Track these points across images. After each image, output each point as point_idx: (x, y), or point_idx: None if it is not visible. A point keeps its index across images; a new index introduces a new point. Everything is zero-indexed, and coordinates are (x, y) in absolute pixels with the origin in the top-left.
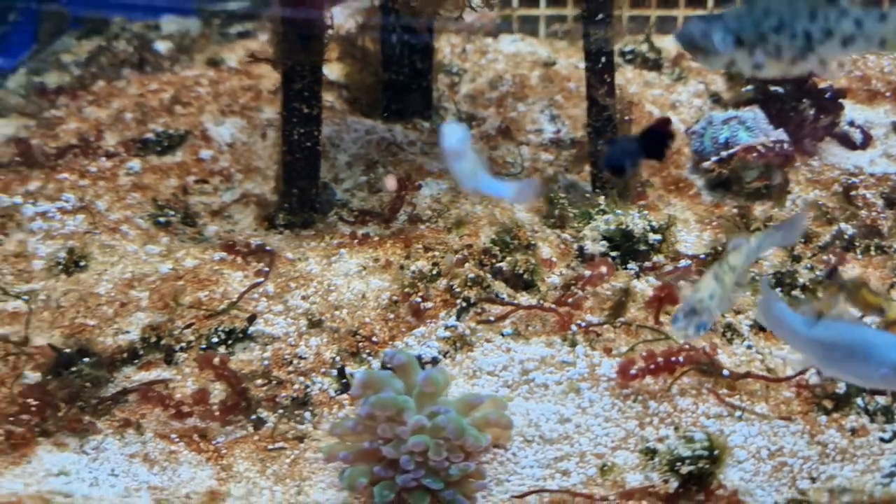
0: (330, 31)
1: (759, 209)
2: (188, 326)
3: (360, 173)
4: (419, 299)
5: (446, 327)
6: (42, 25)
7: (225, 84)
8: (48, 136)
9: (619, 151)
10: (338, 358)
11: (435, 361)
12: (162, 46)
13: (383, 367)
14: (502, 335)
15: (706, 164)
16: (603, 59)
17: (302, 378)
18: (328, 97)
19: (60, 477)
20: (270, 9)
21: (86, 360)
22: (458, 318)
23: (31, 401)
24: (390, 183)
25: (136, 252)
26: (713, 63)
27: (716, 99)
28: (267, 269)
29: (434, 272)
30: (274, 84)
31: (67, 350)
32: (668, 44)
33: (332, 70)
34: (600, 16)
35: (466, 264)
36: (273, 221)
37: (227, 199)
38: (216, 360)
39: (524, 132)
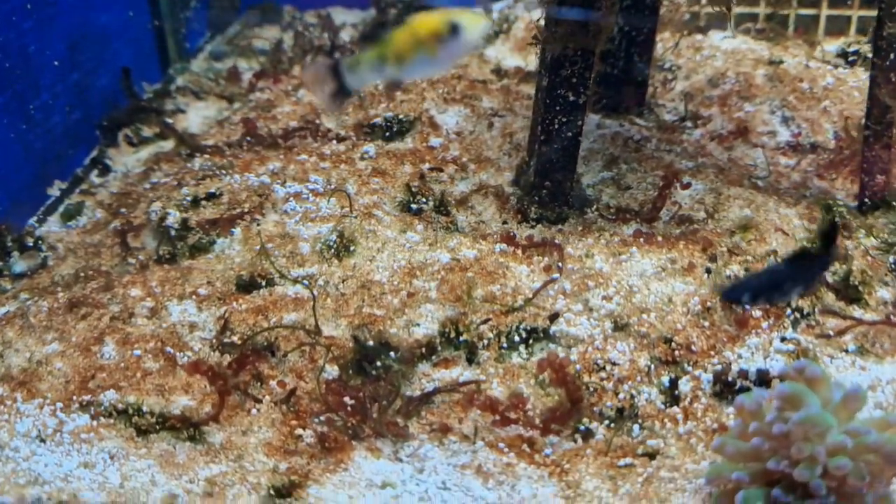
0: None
1: None
2: (485, 322)
3: (600, 169)
4: (748, 307)
5: (783, 339)
6: (211, 12)
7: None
8: (267, 119)
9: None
10: (652, 366)
11: (782, 377)
12: (345, 35)
13: (734, 380)
14: (846, 351)
15: None
16: (892, 57)
17: (621, 386)
18: (527, 89)
19: (387, 490)
20: None
21: (392, 354)
22: (794, 329)
23: (347, 399)
24: None
25: (395, 239)
26: None
27: None
28: (560, 264)
29: None
30: (506, 71)
31: (370, 343)
32: None
33: (529, 61)
34: None
35: None
36: (525, 214)
37: (465, 189)
38: (558, 363)
39: (756, 134)
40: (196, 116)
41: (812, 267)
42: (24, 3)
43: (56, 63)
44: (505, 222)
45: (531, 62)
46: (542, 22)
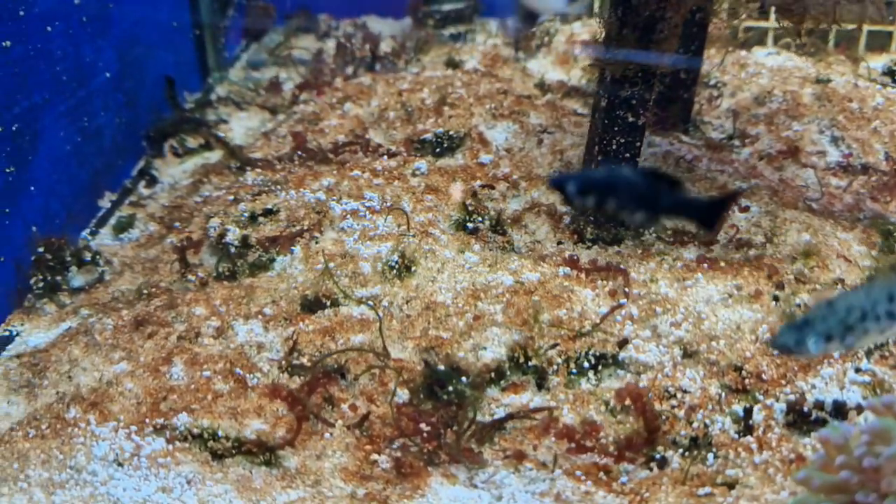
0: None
1: None
2: (553, 347)
3: None
4: None
5: (857, 370)
6: (247, 20)
7: (479, 87)
8: (315, 132)
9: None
10: (722, 394)
11: (860, 409)
12: (384, 46)
13: (798, 407)
14: None
15: None
16: None
17: (694, 414)
18: (573, 104)
19: None
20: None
21: (464, 379)
22: (868, 360)
23: (422, 425)
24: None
25: (454, 259)
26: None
27: None
28: (626, 289)
29: None
30: (549, 86)
31: (441, 367)
32: None
33: (573, 75)
34: None
35: None
36: (581, 235)
37: (517, 207)
38: (637, 392)
39: (805, 154)
40: (239, 127)
41: (668, 196)
42: (80, 15)
43: (108, 74)
44: (560, 242)
45: (574, 76)
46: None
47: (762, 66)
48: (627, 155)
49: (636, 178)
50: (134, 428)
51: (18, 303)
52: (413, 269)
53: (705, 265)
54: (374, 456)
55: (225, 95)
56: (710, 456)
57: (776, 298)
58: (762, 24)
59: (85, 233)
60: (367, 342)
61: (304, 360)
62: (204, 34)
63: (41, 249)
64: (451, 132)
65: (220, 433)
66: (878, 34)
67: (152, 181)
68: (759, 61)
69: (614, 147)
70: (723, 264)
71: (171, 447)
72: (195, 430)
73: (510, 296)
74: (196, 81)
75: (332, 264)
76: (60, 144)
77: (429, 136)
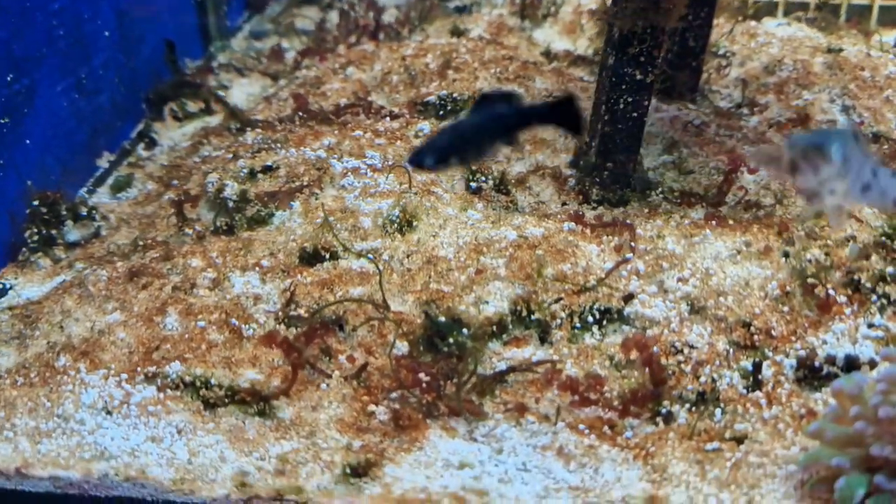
0: None
1: None
2: (557, 301)
3: (661, 152)
4: (831, 292)
5: (870, 325)
6: None
7: (484, 53)
8: (317, 95)
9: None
10: (730, 350)
11: (873, 364)
12: (388, 16)
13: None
14: None
15: None
16: None
17: (701, 369)
18: (579, 72)
19: (465, 470)
20: None
21: (465, 331)
22: (881, 315)
23: (422, 375)
24: None
25: (456, 216)
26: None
27: None
28: (633, 244)
29: (828, 263)
30: (556, 54)
31: (442, 319)
32: None
33: (579, 45)
34: None
35: (873, 257)
36: (587, 196)
37: (521, 170)
38: (643, 342)
39: (815, 122)
40: (240, 93)
41: (509, 117)
42: None
43: (106, 34)
44: (564, 203)
45: (580, 46)
46: None
47: (772, 35)
48: (635, 114)
49: (478, 116)
50: (125, 376)
51: (12, 256)
52: (414, 224)
53: (713, 222)
54: (372, 407)
55: (227, 62)
56: (718, 411)
57: (786, 255)
58: None
59: (82, 191)
60: (367, 295)
61: (302, 312)
62: (206, 1)
63: (36, 203)
64: (454, 94)
65: (213, 381)
66: (891, 9)
67: (151, 143)
68: (770, 31)
69: (621, 106)
70: (731, 222)
71: (161, 395)
72: (187, 379)
73: (513, 250)
74: (197, 49)
75: (331, 218)
76: (57, 100)
77: (432, 98)
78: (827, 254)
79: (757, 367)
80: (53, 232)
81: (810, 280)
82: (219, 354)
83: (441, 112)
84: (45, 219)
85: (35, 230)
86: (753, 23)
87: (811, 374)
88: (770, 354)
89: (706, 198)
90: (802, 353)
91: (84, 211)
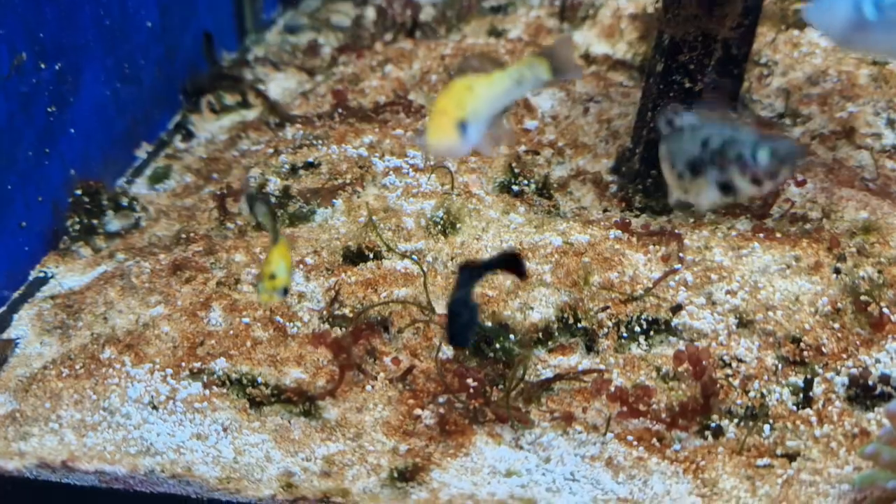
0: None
1: None
2: (604, 309)
3: None
4: (885, 310)
5: None
6: None
7: (523, 54)
8: (355, 92)
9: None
10: (779, 365)
11: None
12: (425, 14)
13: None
14: None
15: None
16: None
17: (750, 384)
18: (618, 77)
19: (512, 478)
20: None
21: (511, 337)
22: None
23: (469, 381)
24: None
25: (499, 219)
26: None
27: None
28: (681, 254)
29: (881, 281)
30: (595, 58)
31: (488, 324)
32: None
33: (618, 49)
34: None
35: None
36: (630, 203)
37: (562, 174)
38: (696, 355)
39: (860, 136)
40: (276, 87)
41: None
42: None
43: (149, 24)
44: (606, 210)
45: (619, 50)
46: (661, 3)
47: (816, 45)
48: None
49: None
50: (170, 371)
51: (54, 244)
52: (458, 226)
53: (761, 235)
54: (418, 411)
55: (263, 56)
56: (767, 427)
57: (837, 271)
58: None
59: (121, 181)
60: (411, 297)
61: (346, 311)
62: None
63: (79, 192)
64: None
65: (260, 380)
66: None
67: (188, 135)
68: (813, 41)
69: None
70: (779, 235)
71: (207, 392)
72: (233, 376)
73: (559, 256)
74: (232, 42)
75: (374, 218)
76: (101, 89)
77: None
78: (880, 271)
79: (808, 384)
80: (94, 221)
81: (863, 298)
82: (264, 352)
83: None
84: (87, 208)
85: (77, 219)
86: (797, 32)
87: (864, 393)
88: (820, 371)
89: (751, 209)
90: (855, 371)
91: (125, 201)
